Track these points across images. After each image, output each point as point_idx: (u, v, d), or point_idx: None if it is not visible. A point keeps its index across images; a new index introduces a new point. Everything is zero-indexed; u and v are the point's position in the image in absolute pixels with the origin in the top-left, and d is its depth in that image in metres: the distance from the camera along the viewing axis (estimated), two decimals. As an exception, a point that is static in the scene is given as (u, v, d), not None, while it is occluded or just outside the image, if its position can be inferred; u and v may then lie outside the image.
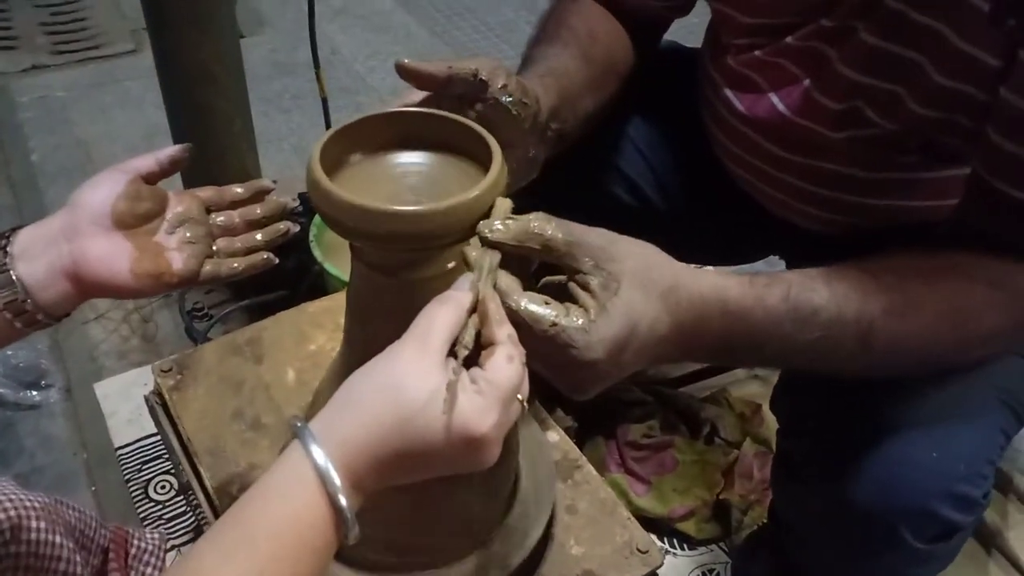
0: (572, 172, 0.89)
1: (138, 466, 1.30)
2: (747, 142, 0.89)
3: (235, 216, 0.73)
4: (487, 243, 0.57)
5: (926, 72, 0.71)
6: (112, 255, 0.65)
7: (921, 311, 0.64)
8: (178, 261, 0.68)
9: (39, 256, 0.65)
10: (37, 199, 1.83)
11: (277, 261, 0.72)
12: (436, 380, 0.50)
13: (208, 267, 0.69)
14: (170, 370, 1.01)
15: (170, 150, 0.72)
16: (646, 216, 1.01)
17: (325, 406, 0.53)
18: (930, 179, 0.81)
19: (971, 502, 0.72)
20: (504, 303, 0.55)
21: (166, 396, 0.99)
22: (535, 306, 0.55)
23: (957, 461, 0.71)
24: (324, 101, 1.55)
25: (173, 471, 1.25)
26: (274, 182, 0.76)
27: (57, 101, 2.16)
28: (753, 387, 1.42)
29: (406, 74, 0.66)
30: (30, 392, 1.43)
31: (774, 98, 0.84)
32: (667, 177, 1.02)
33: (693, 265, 0.63)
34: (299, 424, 0.52)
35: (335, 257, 1.36)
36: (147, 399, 1.02)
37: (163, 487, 1.28)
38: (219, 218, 0.72)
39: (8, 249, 0.65)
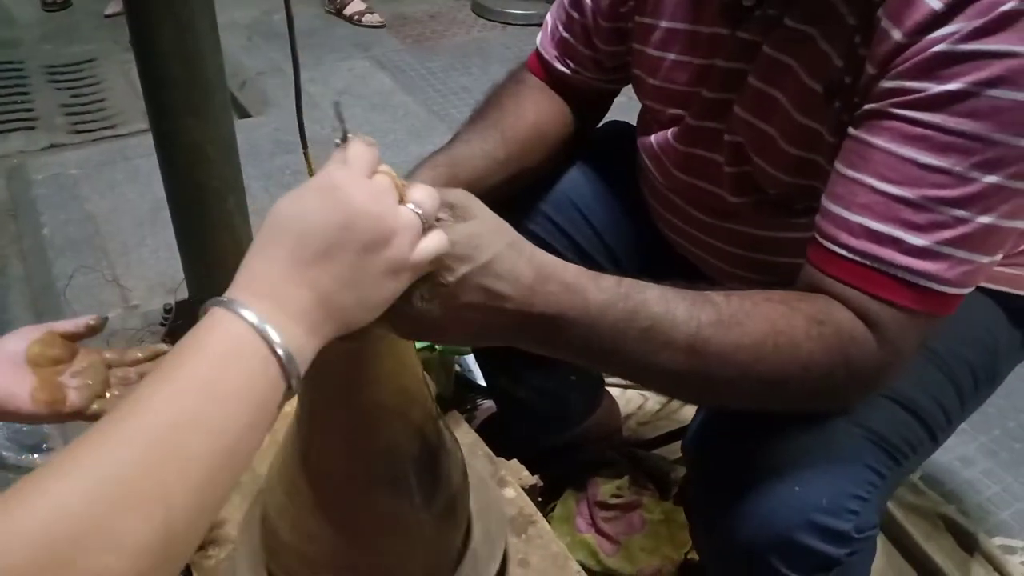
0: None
1: (128, 526, 1.35)
2: (674, 207, 0.98)
3: (132, 372, 0.87)
4: None
5: (777, 143, 0.80)
6: (16, 382, 0.79)
7: (744, 326, 0.66)
8: (73, 396, 0.81)
9: None
10: (46, 270, 1.91)
11: None
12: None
13: (96, 405, 0.82)
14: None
15: (89, 319, 0.87)
16: None
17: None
18: None
19: (839, 535, 0.75)
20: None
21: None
22: None
23: (819, 495, 0.75)
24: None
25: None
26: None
27: (69, 178, 2.26)
28: (724, 449, 1.46)
29: None
30: (32, 455, 1.47)
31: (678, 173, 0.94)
32: (615, 246, 1.09)
33: None
34: (209, 301, 0.53)
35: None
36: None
37: (150, 546, 1.32)
38: (118, 372, 0.86)
39: None
